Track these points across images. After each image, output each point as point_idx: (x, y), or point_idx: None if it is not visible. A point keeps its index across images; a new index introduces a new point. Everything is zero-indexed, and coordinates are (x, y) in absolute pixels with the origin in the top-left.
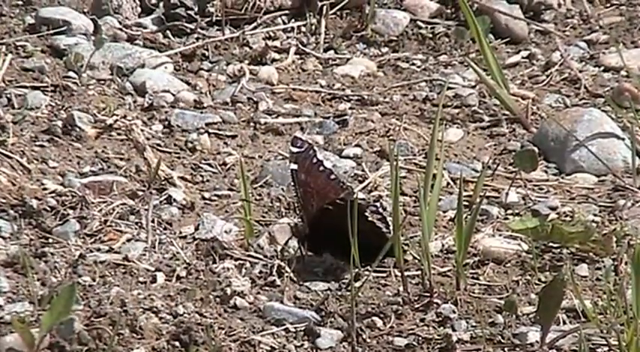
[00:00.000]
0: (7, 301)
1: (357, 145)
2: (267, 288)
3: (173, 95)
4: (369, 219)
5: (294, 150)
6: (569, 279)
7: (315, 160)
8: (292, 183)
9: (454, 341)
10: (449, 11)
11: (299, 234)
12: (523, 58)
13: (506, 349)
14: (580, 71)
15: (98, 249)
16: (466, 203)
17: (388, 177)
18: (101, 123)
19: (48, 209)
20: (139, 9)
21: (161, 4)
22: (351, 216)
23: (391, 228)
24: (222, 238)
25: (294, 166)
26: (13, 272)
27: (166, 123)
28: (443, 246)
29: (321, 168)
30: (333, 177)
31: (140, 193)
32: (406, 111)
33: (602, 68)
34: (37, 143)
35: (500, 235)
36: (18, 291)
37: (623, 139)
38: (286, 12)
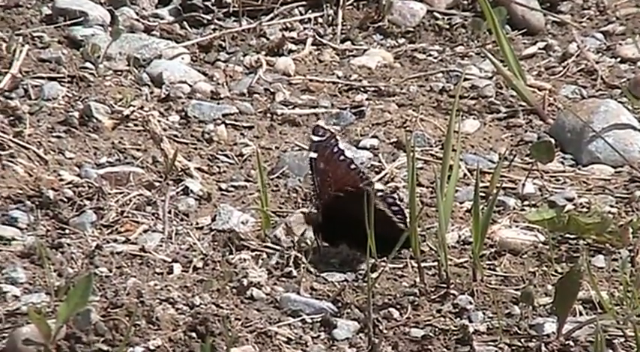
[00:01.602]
0: (24, 292)
1: (374, 136)
2: (283, 279)
3: (190, 86)
4: (380, 207)
5: (315, 138)
6: (586, 270)
7: (335, 149)
8: (310, 172)
9: (470, 332)
10: (465, 2)
11: (312, 222)
12: (540, 49)
13: (522, 340)
14: (597, 62)
15: (115, 240)
16: (483, 194)
17: (405, 168)
18: (118, 114)
19: (65, 200)
20: (156, 0)
21: None
22: (368, 207)
23: (407, 219)
24: (238, 229)
25: (314, 155)
26: (30, 263)
27: (183, 114)
28: (459, 237)
29: (342, 157)
30: (353, 166)
31: (157, 184)
32: (423, 102)
33: (618, 59)
34: (54, 134)
35: (516, 226)
36: (34, 282)
37: (639, 130)
38: (303, 3)
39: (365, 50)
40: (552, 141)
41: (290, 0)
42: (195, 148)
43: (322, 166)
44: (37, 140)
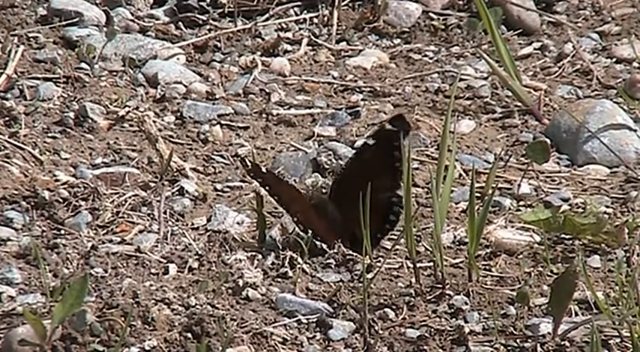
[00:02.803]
0: (19, 292)
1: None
2: (279, 280)
3: (185, 86)
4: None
5: (388, 127)
6: (581, 271)
7: (397, 143)
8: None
9: (466, 333)
10: (461, 2)
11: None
12: (535, 49)
13: (518, 340)
14: (592, 63)
15: (110, 241)
16: (478, 194)
17: None
18: (113, 114)
19: (60, 200)
20: (151, 0)
21: None
22: (363, 204)
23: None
24: (234, 230)
25: (371, 142)
26: (25, 263)
27: (178, 114)
28: (455, 237)
29: (395, 152)
30: (397, 165)
31: (152, 185)
32: (418, 103)
33: (614, 60)
34: (49, 134)
35: (512, 227)
36: (30, 283)
37: (635, 131)
38: (298, 3)
39: (360, 50)
40: (548, 141)
41: (285, 0)
42: (191, 149)
43: (367, 157)
44: (33, 140)
